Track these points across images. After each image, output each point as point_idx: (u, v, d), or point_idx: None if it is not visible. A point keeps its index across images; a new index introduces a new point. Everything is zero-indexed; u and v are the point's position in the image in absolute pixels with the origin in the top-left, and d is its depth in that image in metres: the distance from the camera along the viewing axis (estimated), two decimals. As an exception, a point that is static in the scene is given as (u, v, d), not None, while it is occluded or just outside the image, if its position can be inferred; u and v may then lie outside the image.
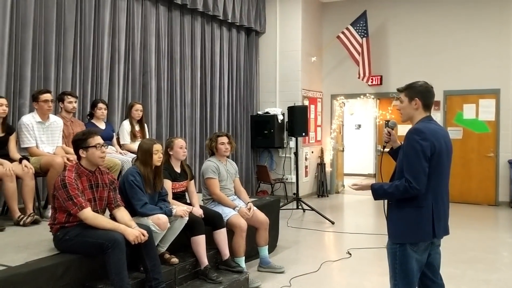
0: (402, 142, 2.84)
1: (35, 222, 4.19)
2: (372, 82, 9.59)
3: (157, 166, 3.91)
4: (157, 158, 3.86)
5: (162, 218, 3.68)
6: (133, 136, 5.60)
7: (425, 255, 2.79)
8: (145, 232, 3.37)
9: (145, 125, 5.89)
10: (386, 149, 3.14)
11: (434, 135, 2.71)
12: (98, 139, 3.40)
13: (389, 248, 2.84)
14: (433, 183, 2.70)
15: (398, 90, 2.92)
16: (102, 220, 3.31)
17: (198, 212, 4.24)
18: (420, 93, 2.81)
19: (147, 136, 5.84)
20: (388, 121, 3.13)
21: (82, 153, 3.37)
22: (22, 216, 4.17)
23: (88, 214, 3.25)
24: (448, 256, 5.43)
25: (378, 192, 2.81)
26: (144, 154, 3.86)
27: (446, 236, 2.84)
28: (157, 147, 3.87)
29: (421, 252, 2.76)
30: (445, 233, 2.83)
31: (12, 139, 4.48)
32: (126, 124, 5.64)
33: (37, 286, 2.96)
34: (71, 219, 3.29)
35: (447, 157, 2.79)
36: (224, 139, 4.79)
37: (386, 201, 2.89)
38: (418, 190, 2.65)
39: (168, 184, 4.16)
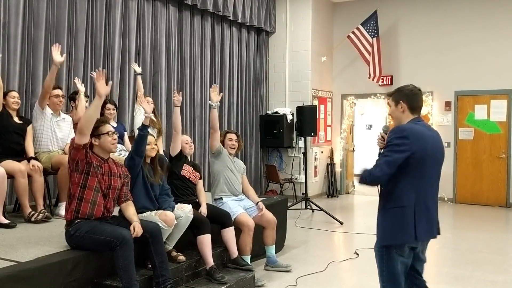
0: None
1: (46, 219, 4.26)
2: (382, 82, 9.54)
3: (153, 158, 4.03)
4: (150, 148, 3.99)
5: (169, 215, 3.74)
6: None
7: (410, 258, 2.84)
8: (139, 229, 3.40)
9: (157, 115, 5.94)
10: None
11: (417, 135, 2.71)
12: (108, 127, 3.52)
13: (376, 250, 2.89)
14: (415, 184, 2.72)
15: (388, 95, 2.97)
16: (89, 109, 3.49)
17: (203, 211, 4.34)
18: (405, 96, 2.83)
19: (163, 125, 5.90)
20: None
21: (94, 141, 3.46)
22: (33, 212, 4.25)
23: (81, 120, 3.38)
24: (457, 257, 5.44)
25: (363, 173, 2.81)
26: None
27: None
28: (150, 139, 3.99)
29: (407, 255, 2.82)
30: (430, 235, 2.84)
31: (29, 131, 4.56)
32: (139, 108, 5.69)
33: (47, 281, 3.02)
34: (83, 205, 3.35)
35: (434, 160, 2.78)
36: (232, 136, 4.86)
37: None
38: (376, 177, 2.69)
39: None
